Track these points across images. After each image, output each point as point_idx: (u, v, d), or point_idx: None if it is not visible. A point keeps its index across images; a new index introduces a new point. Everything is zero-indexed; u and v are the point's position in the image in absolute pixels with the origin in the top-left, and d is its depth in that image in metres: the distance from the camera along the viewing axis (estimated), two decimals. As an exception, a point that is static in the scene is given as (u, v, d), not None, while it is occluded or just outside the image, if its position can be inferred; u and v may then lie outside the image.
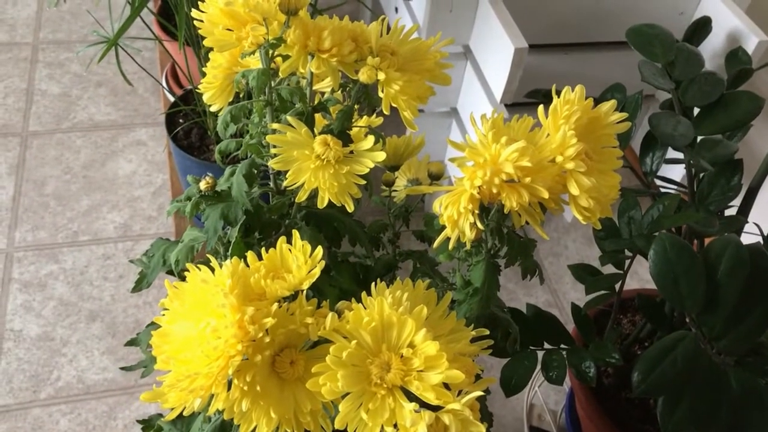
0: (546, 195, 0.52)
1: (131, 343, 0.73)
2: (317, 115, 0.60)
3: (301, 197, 0.54)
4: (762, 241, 0.85)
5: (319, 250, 0.50)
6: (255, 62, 0.59)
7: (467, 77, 1.15)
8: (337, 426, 0.45)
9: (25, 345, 1.15)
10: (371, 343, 0.47)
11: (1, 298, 1.21)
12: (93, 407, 1.09)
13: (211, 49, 0.57)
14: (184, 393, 0.46)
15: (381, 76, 0.54)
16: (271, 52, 0.55)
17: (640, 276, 1.30)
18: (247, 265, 0.51)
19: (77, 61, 1.66)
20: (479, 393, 0.45)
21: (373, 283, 0.50)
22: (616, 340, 0.95)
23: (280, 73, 0.55)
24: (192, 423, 0.58)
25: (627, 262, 0.82)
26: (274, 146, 0.54)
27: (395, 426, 0.45)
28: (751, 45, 1.01)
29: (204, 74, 0.64)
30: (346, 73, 0.56)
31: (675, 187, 0.86)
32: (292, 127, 0.55)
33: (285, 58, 0.55)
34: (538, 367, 0.80)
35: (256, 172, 0.61)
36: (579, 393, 0.92)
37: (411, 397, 0.45)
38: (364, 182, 0.55)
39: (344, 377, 0.45)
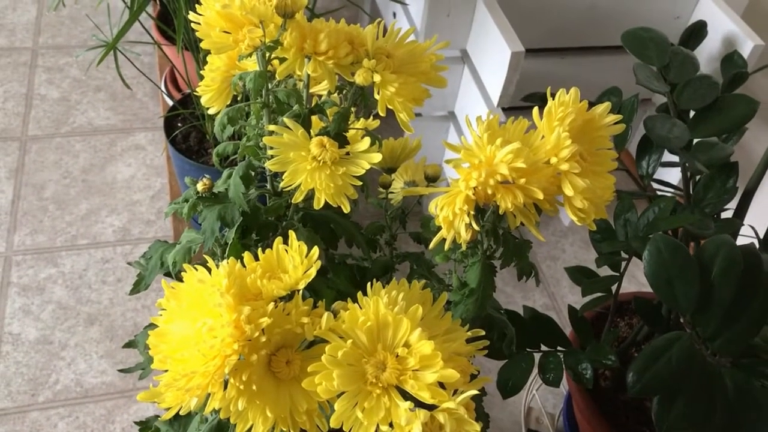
0: (541, 196, 0.52)
1: (129, 345, 0.73)
2: (314, 118, 0.60)
3: (298, 198, 0.54)
4: (758, 244, 0.86)
5: (315, 251, 0.51)
6: (252, 65, 0.60)
7: (464, 81, 1.15)
8: (332, 425, 0.45)
9: (23, 348, 1.15)
10: (367, 342, 0.47)
11: (0, 302, 1.21)
12: (91, 411, 1.09)
13: (209, 52, 0.58)
14: (180, 392, 0.46)
15: (377, 78, 0.55)
16: (268, 54, 0.55)
17: (638, 279, 1.31)
18: (244, 266, 0.51)
19: (76, 66, 1.66)
20: (474, 392, 0.45)
21: (369, 284, 0.50)
22: (613, 342, 0.96)
23: (276, 76, 0.55)
24: (189, 424, 0.58)
25: (623, 264, 0.83)
26: (271, 148, 0.54)
27: (391, 425, 0.45)
28: (746, 49, 1.02)
29: (202, 77, 0.65)
30: (343, 75, 0.56)
31: (671, 190, 0.87)
32: (289, 128, 0.55)
33: (282, 60, 0.55)
34: (536, 370, 0.80)
35: (253, 173, 0.62)
36: (576, 396, 0.93)
37: (406, 396, 0.46)
38: (360, 183, 0.55)
39: (340, 376, 0.45)
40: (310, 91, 0.61)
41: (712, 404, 0.58)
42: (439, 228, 0.55)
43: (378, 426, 0.45)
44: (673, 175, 1.18)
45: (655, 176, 0.86)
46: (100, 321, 1.20)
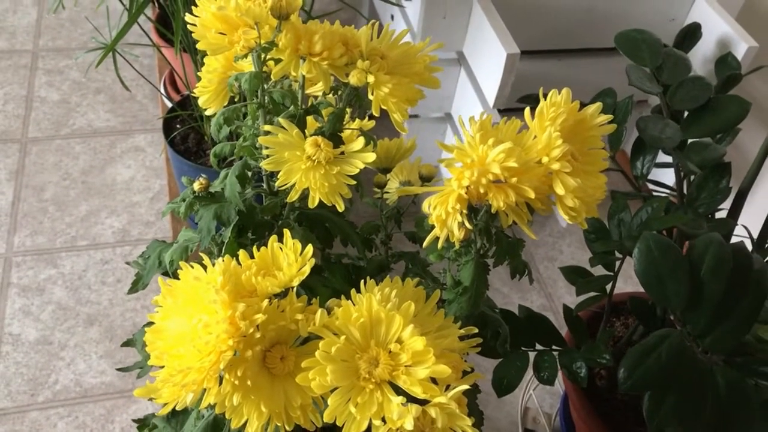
0: (532, 195, 0.53)
1: (127, 343, 0.74)
2: (310, 118, 0.61)
3: (293, 197, 0.55)
4: (752, 245, 0.86)
5: (309, 249, 0.51)
6: (248, 66, 0.61)
7: (461, 83, 1.16)
8: (326, 420, 0.46)
9: (23, 349, 1.16)
10: (360, 338, 0.48)
11: (0, 303, 1.22)
12: (90, 410, 1.09)
13: (207, 54, 0.58)
14: (177, 388, 0.47)
15: (370, 79, 0.56)
16: (263, 55, 0.56)
17: (634, 279, 1.31)
18: (239, 263, 0.52)
19: (76, 68, 1.67)
20: (465, 387, 0.46)
21: (362, 281, 0.51)
22: (608, 341, 0.96)
23: (272, 76, 0.56)
24: (185, 420, 0.59)
25: (617, 263, 0.83)
26: (266, 148, 0.55)
27: (383, 419, 0.46)
28: (740, 51, 1.03)
29: (200, 79, 0.66)
30: (337, 76, 0.57)
31: (666, 190, 0.88)
32: (284, 128, 0.56)
33: (277, 61, 0.56)
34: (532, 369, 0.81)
35: (249, 173, 0.62)
36: (573, 396, 0.93)
37: (399, 391, 0.46)
38: (354, 182, 0.56)
39: (333, 372, 0.46)
40: (307, 92, 0.62)
41: (703, 401, 0.58)
42: (433, 227, 0.56)
43: (371, 420, 0.46)
44: (668, 176, 1.18)
45: (651, 177, 0.87)
46: (100, 321, 1.20)
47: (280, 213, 0.64)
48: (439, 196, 0.54)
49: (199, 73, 0.65)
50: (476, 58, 1.08)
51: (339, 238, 0.67)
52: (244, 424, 0.48)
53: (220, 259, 0.50)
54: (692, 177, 0.84)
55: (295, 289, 0.51)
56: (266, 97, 0.59)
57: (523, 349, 0.81)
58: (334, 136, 0.58)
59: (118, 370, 0.80)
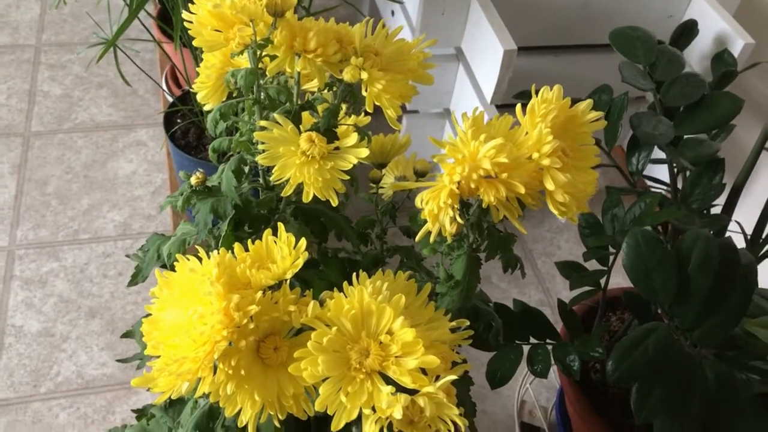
0: (522, 190, 0.54)
1: (127, 335, 0.75)
2: (306, 114, 0.62)
3: (287, 192, 0.56)
4: (745, 241, 0.87)
5: (303, 242, 0.53)
6: (246, 62, 0.61)
7: (459, 78, 1.17)
8: (317, 408, 0.47)
9: (25, 341, 1.17)
10: (351, 329, 0.49)
11: (3, 295, 1.23)
12: (92, 401, 1.11)
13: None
14: (172, 377, 0.48)
15: (364, 75, 0.56)
16: (258, 52, 0.57)
17: (632, 275, 1.32)
18: (234, 256, 0.53)
19: (79, 63, 1.69)
20: (453, 377, 0.47)
21: (354, 274, 0.52)
22: (603, 335, 0.97)
23: (267, 73, 0.57)
24: (182, 410, 0.60)
25: (611, 258, 0.84)
26: (262, 143, 0.56)
27: (373, 408, 0.47)
28: (737, 47, 1.03)
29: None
30: (332, 72, 0.58)
31: (662, 186, 0.88)
32: (279, 124, 0.57)
33: (273, 58, 0.57)
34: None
35: (246, 168, 0.63)
36: (568, 389, 0.94)
37: (389, 381, 0.47)
38: (348, 178, 0.57)
39: (325, 362, 0.47)
40: (303, 87, 0.63)
41: (691, 394, 0.59)
42: (426, 221, 0.57)
43: (361, 409, 0.47)
44: (664, 172, 1.19)
45: (647, 173, 0.88)
46: (101, 314, 1.22)
47: (276, 207, 0.65)
48: (431, 192, 0.55)
49: (197, 69, 0.66)
50: (474, 53, 1.09)
51: (334, 233, 0.68)
52: (238, 413, 0.49)
53: (216, 251, 0.51)
54: (687, 172, 0.85)
55: (288, 281, 0.52)
56: (262, 93, 0.60)
57: (517, 342, 0.82)
58: (328, 131, 0.59)
59: (118, 361, 0.81)
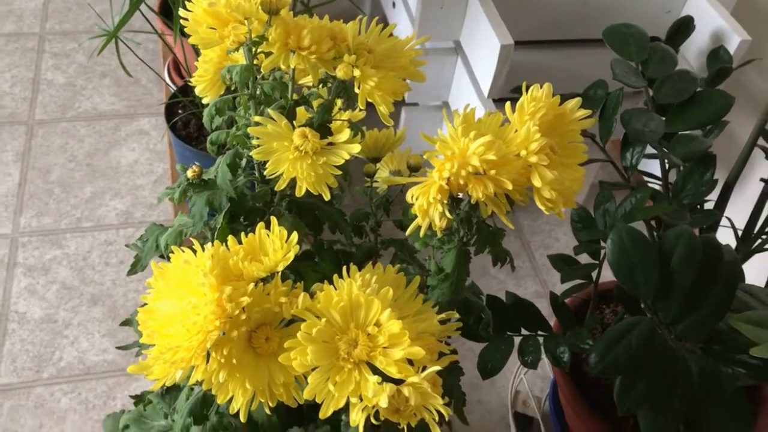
0: (510, 186, 0.55)
1: (126, 323, 0.77)
2: (301, 109, 0.63)
3: (280, 186, 0.58)
4: (736, 237, 0.88)
5: (295, 236, 0.54)
6: (242, 58, 0.63)
7: (458, 72, 1.18)
8: (306, 396, 0.49)
9: (28, 327, 1.19)
10: (340, 321, 0.50)
11: (6, 282, 1.25)
12: (93, 387, 1.13)
13: (201, 45, 0.61)
14: (167, 365, 0.50)
15: (357, 72, 0.58)
16: (254, 49, 0.58)
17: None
18: (228, 249, 0.54)
19: (82, 52, 1.70)
20: (438, 368, 0.49)
21: (345, 267, 0.53)
22: (595, 328, 0.99)
23: (262, 69, 0.58)
24: (178, 396, 0.62)
25: (603, 252, 0.85)
26: (256, 138, 0.57)
27: (360, 397, 0.48)
28: (733, 44, 1.04)
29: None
30: (326, 69, 0.59)
31: (657, 181, 0.89)
32: (273, 119, 0.58)
33: (268, 54, 0.58)
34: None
35: (242, 162, 0.65)
36: (560, 380, 0.96)
37: (376, 371, 0.49)
38: (340, 173, 0.58)
39: (314, 352, 0.48)
40: (299, 82, 0.64)
41: (673, 386, 0.61)
42: (416, 216, 0.58)
43: (348, 398, 0.48)
44: (659, 167, 1.20)
45: (642, 168, 0.89)
46: (103, 301, 1.24)
47: (271, 200, 0.66)
48: (422, 187, 0.57)
49: (196, 63, 0.68)
50: (472, 48, 1.10)
51: (328, 226, 0.69)
52: (230, 400, 0.51)
53: (210, 244, 0.53)
54: (681, 167, 0.86)
55: (280, 273, 0.53)
56: (257, 89, 0.61)
57: (509, 333, 0.84)
58: (322, 127, 0.60)
59: (118, 348, 0.83)
